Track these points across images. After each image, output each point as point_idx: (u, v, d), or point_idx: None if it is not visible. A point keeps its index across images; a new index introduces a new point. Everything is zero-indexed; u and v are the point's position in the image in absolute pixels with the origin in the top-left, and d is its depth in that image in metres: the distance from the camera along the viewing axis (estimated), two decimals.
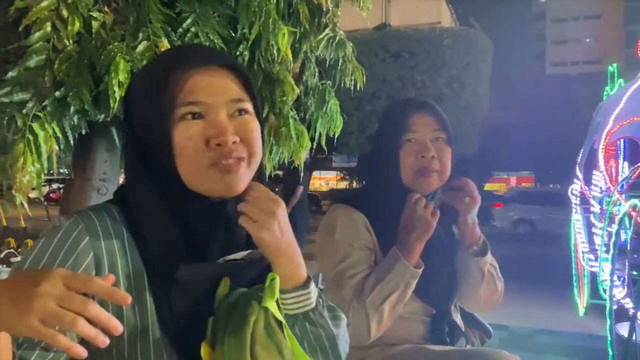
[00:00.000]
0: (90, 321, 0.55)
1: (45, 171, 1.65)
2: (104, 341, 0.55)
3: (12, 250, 6.41)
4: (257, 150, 0.79)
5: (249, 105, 0.80)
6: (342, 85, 2.86)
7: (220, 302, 0.76)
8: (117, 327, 0.57)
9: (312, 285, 0.80)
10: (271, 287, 0.75)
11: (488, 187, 31.15)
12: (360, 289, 1.23)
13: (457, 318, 1.40)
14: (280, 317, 0.75)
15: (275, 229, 0.76)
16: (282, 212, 0.78)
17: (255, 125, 0.80)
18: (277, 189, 6.15)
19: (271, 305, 0.74)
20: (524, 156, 21.93)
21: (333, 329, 0.82)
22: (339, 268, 1.25)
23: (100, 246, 0.74)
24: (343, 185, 31.24)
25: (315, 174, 27.71)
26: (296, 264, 0.80)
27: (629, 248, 3.38)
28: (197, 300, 0.76)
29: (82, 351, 0.55)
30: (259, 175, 0.83)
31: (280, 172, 5.53)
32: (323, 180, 36.84)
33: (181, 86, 0.75)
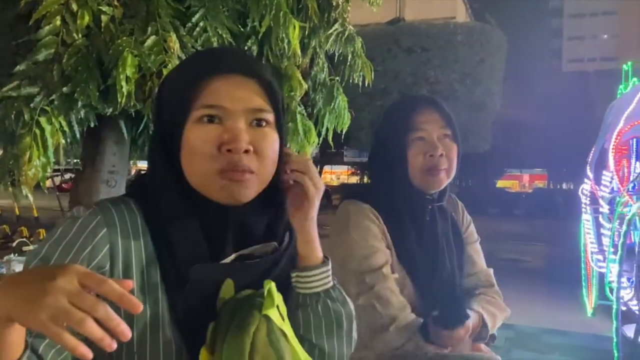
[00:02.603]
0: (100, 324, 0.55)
1: (51, 165, 1.67)
2: (110, 345, 0.54)
3: (24, 239, 6.52)
4: (269, 162, 0.77)
5: (270, 117, 0.78)
6: (352, 80, 2.85)
7: (223, 306, 0.76)
8: (125, 332, 0.55)
9: (330, 264, 0.87)
10: (270, 294, 0.75)
11: (500, 184, 30.99)
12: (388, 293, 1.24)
13: None
14: (282, 326, 0.75)
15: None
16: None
17: (273, 137, 0.78)
18: None
19: (272, 314, 0.74)
20: (538, 154, 21.72)
21: (351, 305, 0.87)
22: (361, 266, 1.25)
23: (116, 239, 0.74)
24: (354, 179, 31.21)
25: (327, 168, 27.73)
26: (317, 243, 0.87)
27: (637, 250, 3.35)
28: (209, 300, 0.76)
29: (87, 352, 0.54)
30: (276, 186, 0.82)
31: None
32: (334, 175, 36.83)
33: (203, 88, 0.75)
